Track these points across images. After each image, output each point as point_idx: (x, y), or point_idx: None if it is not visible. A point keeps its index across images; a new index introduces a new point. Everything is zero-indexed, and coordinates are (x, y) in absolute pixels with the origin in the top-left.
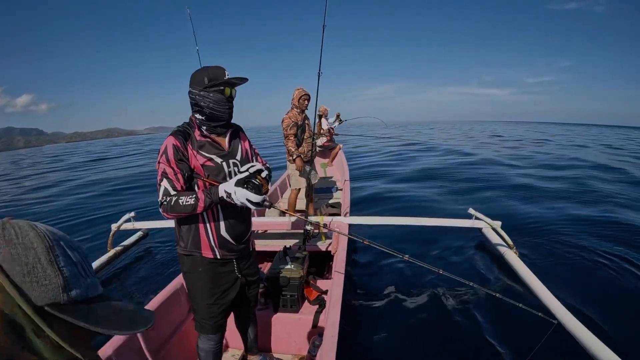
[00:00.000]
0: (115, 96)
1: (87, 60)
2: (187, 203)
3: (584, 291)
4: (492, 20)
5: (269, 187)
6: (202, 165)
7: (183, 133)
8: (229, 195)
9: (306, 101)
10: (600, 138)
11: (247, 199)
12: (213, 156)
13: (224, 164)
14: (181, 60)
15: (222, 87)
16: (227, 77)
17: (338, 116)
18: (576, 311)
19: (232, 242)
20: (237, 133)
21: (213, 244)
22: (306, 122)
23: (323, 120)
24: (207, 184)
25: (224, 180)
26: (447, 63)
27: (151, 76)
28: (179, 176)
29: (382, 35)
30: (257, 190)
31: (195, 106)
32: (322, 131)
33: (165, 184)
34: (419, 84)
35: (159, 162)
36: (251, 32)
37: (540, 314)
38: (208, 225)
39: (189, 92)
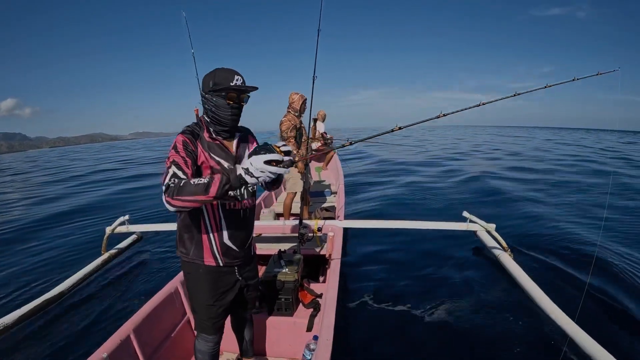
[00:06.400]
0: (100, 101)
1: (73, 64)
2: (199, 182)
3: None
4: (475, 26)
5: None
6: (212, 168)
7: (192, 132)
8: (247, 171)
9: (305, 105)
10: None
11: (264, 162)
12: (222, 160)
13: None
14: (170, 65)
15: (223, 93)
16: (233, 82)
17: (323, 135)
18: (571, 313)
19: (235, 249)
20: (245, 137)
21: (216, 252)
22: (302, 125)
23: (318, 123)
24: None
25: None
26: (430, 69)
27: (137, 81)
28: (189, 164)
29: (367, 42)
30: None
31: (203, 107)
32: (316, 135)
33: (173, 169)
34: (403, 89)
35: (168, 157)
36: (241, 34)
37: None
38: (211, 234)
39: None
